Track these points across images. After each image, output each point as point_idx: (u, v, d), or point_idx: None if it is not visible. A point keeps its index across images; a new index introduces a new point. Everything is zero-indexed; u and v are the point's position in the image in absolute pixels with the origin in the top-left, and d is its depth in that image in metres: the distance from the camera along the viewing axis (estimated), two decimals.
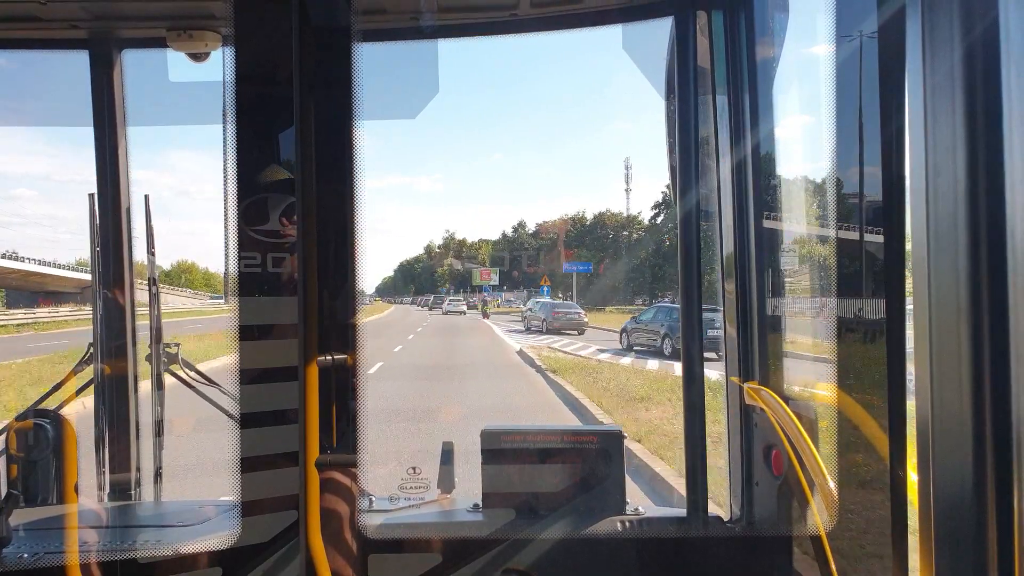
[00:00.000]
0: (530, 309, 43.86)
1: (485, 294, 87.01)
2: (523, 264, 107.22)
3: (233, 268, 1.98)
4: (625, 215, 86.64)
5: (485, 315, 54.41)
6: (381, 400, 12.39)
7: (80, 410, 2.91)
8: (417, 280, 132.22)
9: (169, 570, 2.06)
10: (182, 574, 2.05)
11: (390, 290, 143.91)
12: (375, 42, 2.60)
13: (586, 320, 36.72)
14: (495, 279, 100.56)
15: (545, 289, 58.43)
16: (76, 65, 2.77)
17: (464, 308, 63.67)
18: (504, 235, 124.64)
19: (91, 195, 2.83)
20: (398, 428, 9.92)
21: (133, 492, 2.92)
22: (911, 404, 1.40)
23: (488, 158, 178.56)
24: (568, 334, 33.63)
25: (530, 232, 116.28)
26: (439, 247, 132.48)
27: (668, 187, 2.52)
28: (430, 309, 74.99)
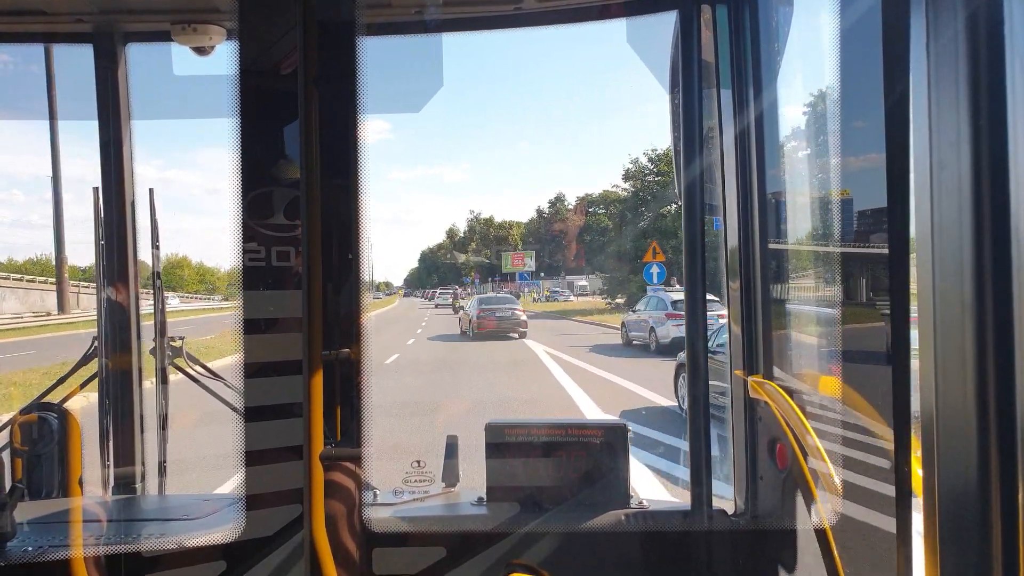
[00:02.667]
0: (463, 308, 33.11)
1: (519, 283, 73.63)
2: (559, 245, 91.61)
3: (238, 262, 1.98)
4: None
5: (456, 310, 48.21)
6: None
7: (84, 404, 2.92)
8: (440, 270, 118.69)
9: (173, 564, 2.06)
10: (186, 568, 2.06)
11: (416, 282, 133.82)
12: (379, 36, 2.60)
13: (524, 319, 27.96)
14: (530, 264, 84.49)
15: (656, 271, 26.94)
16: (80, 59, 2.78)
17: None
18: (539, 212, 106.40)
19: (95, 189, 2.84)
20: None
21: (137, 486, 2.93)
22: (915, 398, 1.40)
23: (513, 147, 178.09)
24: (510, 338, 26.24)
25: (570, 207, 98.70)
26: (464, 231, 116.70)
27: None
28: (435, 304, 67.99)
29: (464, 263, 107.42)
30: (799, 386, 2.16)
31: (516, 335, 26.99)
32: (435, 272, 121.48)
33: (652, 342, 21.24)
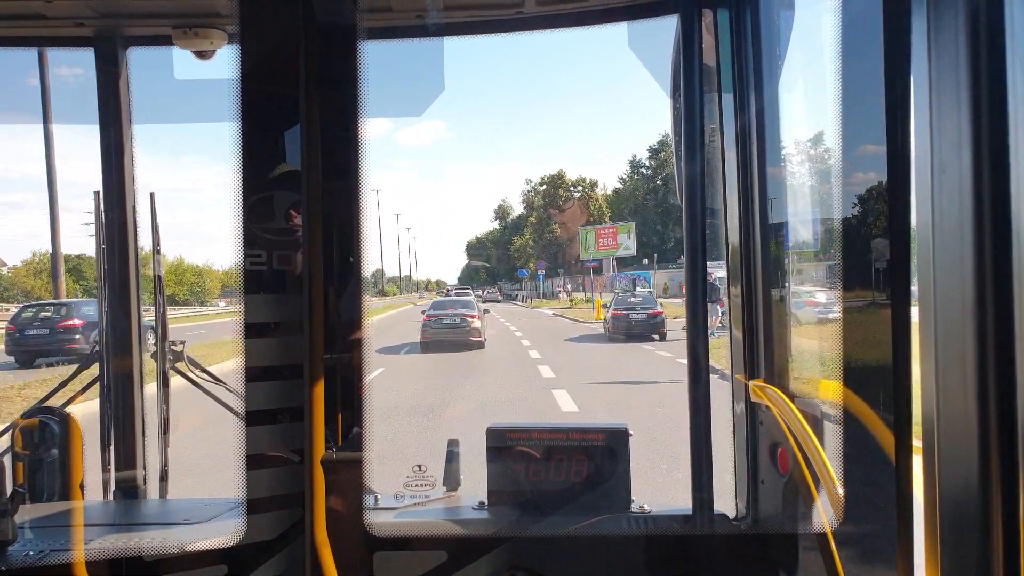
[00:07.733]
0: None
1: (636, 277, 43.05)
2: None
3: (239, 266, 1.99)
4: None
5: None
6: None
7: (85, 408, 2.92)
8: (490, 262, 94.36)
9: (174, 568, 2.06)
10: (188, 572, 2.05)
11: (466, 279, 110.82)
12: (380, 40, 2.60)
13: (477, 326, 22.74)
14: (629, 246, 50.09)
15: None
16: (82, 63, 2.78)
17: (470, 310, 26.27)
18: (634, 163, 71.49)
19: (96, 193, 2.84)
20: None
21: (139, 490, 2.93)
22: (916, 401, 1.39)
23: (563, 133, 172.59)
24: (465, 347, 21.45)
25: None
26: (523, 207, 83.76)
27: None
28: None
29: (522, 245, 75.26)
30: (800, 390, 2.16)
31: (476, 346, 22.66)
32: (486, 264, 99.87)
33: None
